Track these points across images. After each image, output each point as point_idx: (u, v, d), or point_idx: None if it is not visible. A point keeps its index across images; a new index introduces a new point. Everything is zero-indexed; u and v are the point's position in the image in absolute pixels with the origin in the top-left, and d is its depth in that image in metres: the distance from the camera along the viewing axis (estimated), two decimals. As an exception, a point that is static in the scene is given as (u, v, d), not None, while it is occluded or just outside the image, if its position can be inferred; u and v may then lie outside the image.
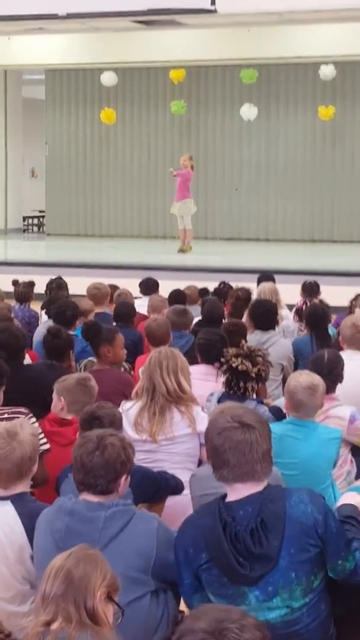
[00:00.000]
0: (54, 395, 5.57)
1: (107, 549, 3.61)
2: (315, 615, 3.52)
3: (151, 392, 5.46)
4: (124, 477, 3.82)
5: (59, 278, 11.29)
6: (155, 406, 5.43)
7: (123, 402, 5.63)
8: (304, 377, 5.55)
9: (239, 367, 5.63)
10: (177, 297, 9.94)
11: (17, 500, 4.07)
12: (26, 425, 4.24)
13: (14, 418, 5.27)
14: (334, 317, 9.18)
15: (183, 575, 3.60)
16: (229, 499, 3.55)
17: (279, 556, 3.43)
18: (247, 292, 9.93)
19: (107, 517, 3.69)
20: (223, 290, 10.70)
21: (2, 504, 4.06)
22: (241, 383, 5.65)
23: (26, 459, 4.11)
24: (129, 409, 5.50)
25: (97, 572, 2.93)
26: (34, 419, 5.30)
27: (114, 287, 10.43)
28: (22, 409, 5.38)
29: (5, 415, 5.26)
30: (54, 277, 11.37)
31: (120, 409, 5.29)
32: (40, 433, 5.02)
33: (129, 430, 5.34)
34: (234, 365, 5.66)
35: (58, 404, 5.53)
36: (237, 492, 3.54)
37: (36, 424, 5.04)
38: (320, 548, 3.51)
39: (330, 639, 3.61)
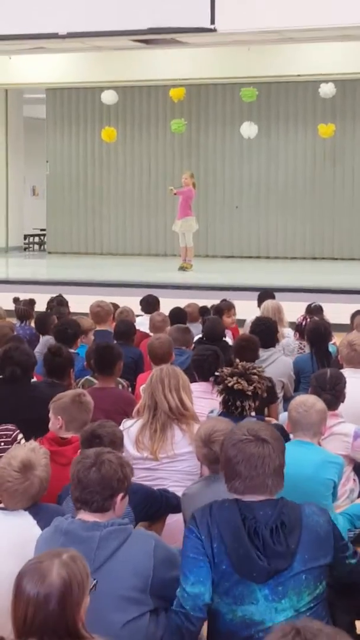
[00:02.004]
0: (51, 415, 5.55)
1: (102, 569, 3.62)
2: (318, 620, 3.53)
3: (153, 409, 5.46)
4: (120, 496, 3.82)
5: (60, 296, 11.31)
6: (156, 423, 5.43)
7: (124, 420, 5.63)
8: (300, 397, 5.60)
9: (235, 386, 5.63)
10: (178, 314, 9.96)
11: (34, 510, 4.09)
12: (40, 454, 4.24)
13: (2, 435, 5.29)
14: (337, 335, 9.18)
15: (198, 559, 3.54)
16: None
17: (294, 558, 3.49)
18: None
19: (102, 537, 3.68)
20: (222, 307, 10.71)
21: (21, 514, 4.07)
22: (238, 402, 5.64)
23: (42, 489, 4.17)
24: (130, 427, 5.50)
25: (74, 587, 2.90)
26: (21, 435, 5.31)
27: (114, 306, 10.44)
28: (10, 426, 5.39)
29: None
30: (54, 295, 11.39)
31: (121, 427, 5.30)
32: None
33: (130, 448, 5.34)
34: (229, 384, 5.66)
35: (56, 422, 5.52)
36: (251, 499, 3.59)
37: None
38: (328, 559, 3.58)
39: None
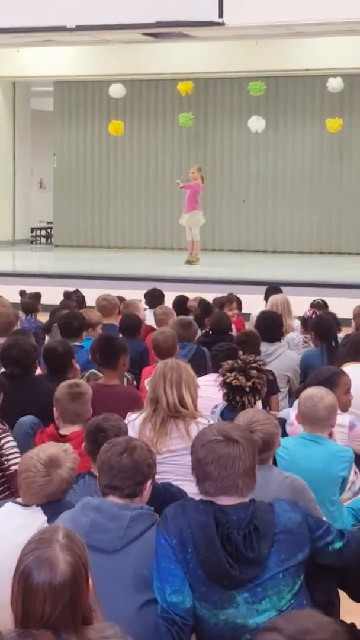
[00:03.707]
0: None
1: (129, 547, 3.66)
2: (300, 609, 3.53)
3: (155, 403, 5.47)
4: (149, 482, 3.86)
5: (77, 291, 11.31)
6: (157, 417, 5.44)
7: (129, 413, 5.64)
8: (310, 390, 5.58)
9: (233, 382, 5.62)
10: (182, 303, 10.06)
11: (47, 507, 4.07)
12: (70, 456, 4.19)
13: None
14: (344, 329, 9.17)
15: (171, 568, 3.51)
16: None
17: (268, 560, 3.45)
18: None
19: (133, 516, 3.72)
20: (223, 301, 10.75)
21: (32, 510, 4.07)
22: (237, 397, 5.64)
23: (60, 490, 4.11)
24: (135, 419, 5.51)
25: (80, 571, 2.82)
26: (10, 438, 5.28)
27: (120, 299, 10.46)
28: (1, 425, 5.36)
29: None
30: (71, 289, 11.36)
31: (126, 420, 5.31)
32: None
33: (137, 440, 5.35)
34: (227, 380, 5.66)
35: (55, 413, 5.57)
36: (224, 502, 3.55)
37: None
38: (308, 552, 3.56)
39: None
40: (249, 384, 5.62)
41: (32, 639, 2.65)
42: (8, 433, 5.30)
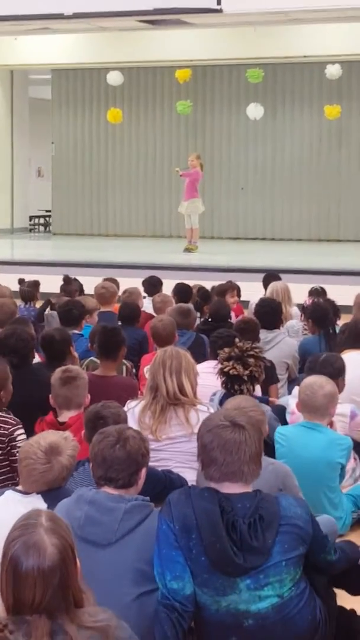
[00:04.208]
0: None
1: (123, 540, 3.65)
2: (301, 595, 3.56)
3: (154, 391, 5.47)
4: (144, 470, 3.86)
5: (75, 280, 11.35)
6: (156, 405, 5.44)
7: (129, 401, 5.64)
8: (310, 378, 5.59)
9: (230, 371, 5.62)
10: (183, 291, 10.07)
11: (47, 495, 4.07)
12: (70, 444, 4.20)
13: (0, 427, 5.28)
14: (343, 316, 9.17)
15: (172, 554, 3.52)
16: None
17: (271, 552, 3.47)
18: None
19: (127, 509, 3.71)
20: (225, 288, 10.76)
21: (33, 497, 4.06)
22: (236, 386, 5.64)
23: (61, 478, 4.12)
24: (135, 407, 5.51)
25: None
26: (22, 430, 5.29)
27: (112, 280, 10.51)
28: (12, 420, 5.34)
29: None
30: (69, 277, 11.41)
31: (125, 408, 5.31)
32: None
33: (134, 427, 5.34)
34: (225, 370, 5.65)
35: (51, 400, 5.58)
36: (228, 490, 3.56)
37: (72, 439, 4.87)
38: (307, 547, 3.57)
39: (318, 608, 3.65)
40: (247, 372, 5.62)
41: (27, 625, 2.64)
42: (20, 426, 5.30)
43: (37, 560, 2.69)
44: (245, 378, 5.62)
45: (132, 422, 5.36)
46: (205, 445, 3.59)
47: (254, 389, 5.79)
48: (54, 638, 2.65)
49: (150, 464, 5.17)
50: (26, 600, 2.68)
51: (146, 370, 6.37)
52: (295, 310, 10.03)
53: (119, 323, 8.60)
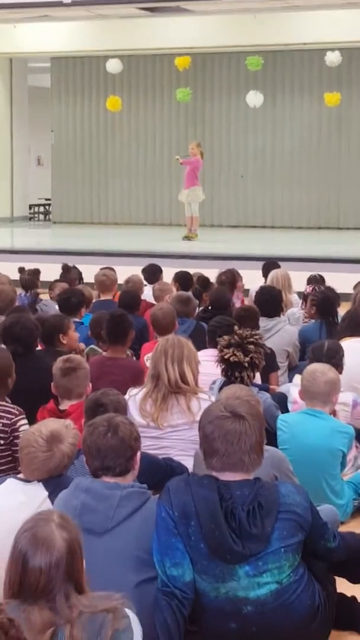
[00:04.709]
0: None
1: (120, 527, 3.66)
2: (299, 581, 3.59)
3: (156, 379, 5.48)
4: (138, 454, 3.86)
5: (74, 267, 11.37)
6: (157, 393, 5.44)
7: (130, 388, 5.65)
8: (312, 365, 5.60)
9: (231, 358, 5.62)
10: (184, 278, 10.08)
11: (48, 483, 4.08)
12: (70, 431, 4.21)
13: (3, 417, 5.27)
14: (343, 305, 9.17)
15: (171, 541, 3.54)
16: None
17: (271, 537, 3.49)
18: (232, 275, 10.07)
19: (123, 496, 3.72)
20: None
21: (34, 485, 4.07)
22: (237, 373, 5.64)
23: (62, 466, 4.13)
24: (136, 395, 5.52)
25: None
26: (25, 421, 5.28)
27: (109, 269, 10.53)
28: (15, 410, 5.33)
29: None
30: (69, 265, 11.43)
31: (127, 395, 5.32)
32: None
33: (135, 415, 5.35)
34: (225, 357, 5.65)
35: (52, 388, 5.59)
36: (229, 478, 3.58)
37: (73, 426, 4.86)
38: (306, 534, 3.59)
39: (317, 593, 3.66)
40: (247, 359, 5.62)
41: (27, 610, 2.78)
42: (23, 416, 5.29)
43: (46, 551, 2.83)
44: (246, 365, 5.61)
45: (134, 410, 5.38)
46: (206, 436, 3.61)
47: (254, 376, 5.78)
48: (55, 621, 2.77)
49: (152, 451, 5.20)
50: (30, 587, 2.81)
51: (147, 359, 6.37)
52: (295, 298, 10.03)
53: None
